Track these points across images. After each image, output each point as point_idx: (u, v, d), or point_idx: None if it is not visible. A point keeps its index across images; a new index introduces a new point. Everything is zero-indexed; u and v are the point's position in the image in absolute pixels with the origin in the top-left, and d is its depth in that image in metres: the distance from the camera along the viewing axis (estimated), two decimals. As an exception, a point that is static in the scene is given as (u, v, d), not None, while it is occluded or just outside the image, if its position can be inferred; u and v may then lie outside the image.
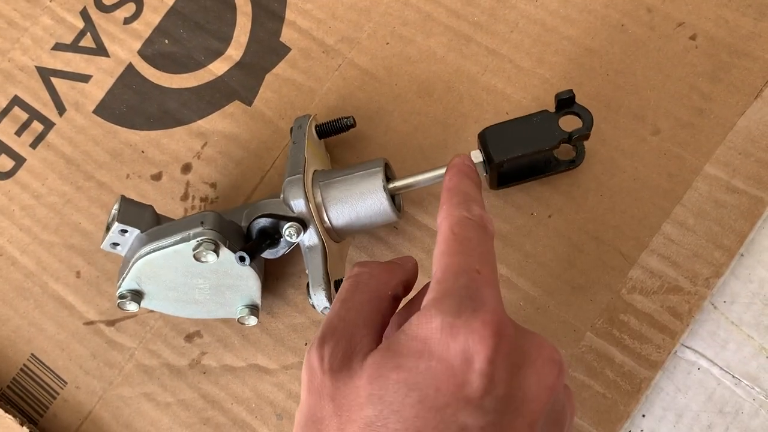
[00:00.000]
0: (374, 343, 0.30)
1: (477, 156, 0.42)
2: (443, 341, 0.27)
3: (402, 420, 0.26)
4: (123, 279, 0.43)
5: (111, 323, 0.50)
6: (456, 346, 0.27)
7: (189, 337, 0.48)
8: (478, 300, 0.28)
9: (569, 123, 0.42)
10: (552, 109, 0.42)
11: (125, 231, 0.42)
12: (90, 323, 0.50)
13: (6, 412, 0.47)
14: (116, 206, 0.43)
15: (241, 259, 0.40)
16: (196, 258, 0.40)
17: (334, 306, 0.32)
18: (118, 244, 0.43)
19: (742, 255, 0.43)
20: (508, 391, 0.27)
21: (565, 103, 0.42)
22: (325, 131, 0.47)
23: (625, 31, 0.48)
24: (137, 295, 0.43)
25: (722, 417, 0.41)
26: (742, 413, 0.41)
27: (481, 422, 0.26)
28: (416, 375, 0.27)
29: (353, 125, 0.47)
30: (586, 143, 0.45)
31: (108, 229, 0.43)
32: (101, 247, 0.43)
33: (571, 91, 0.41)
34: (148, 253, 0.41)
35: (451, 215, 0.33)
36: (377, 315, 0.32)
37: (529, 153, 0.41)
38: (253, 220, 0.42)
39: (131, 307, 0.43)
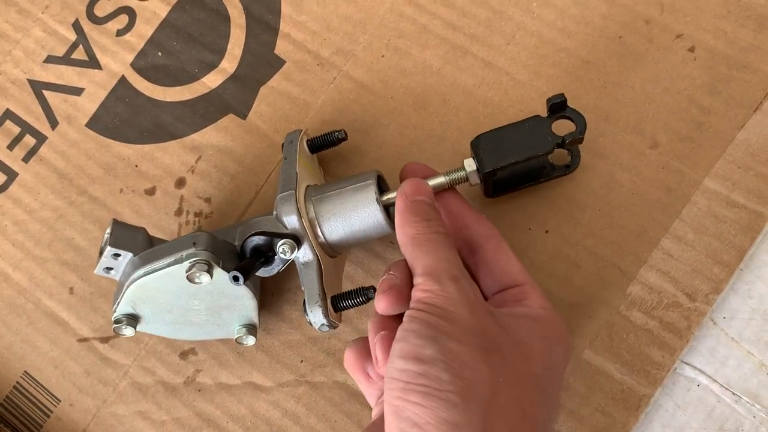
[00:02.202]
0: None
1: (470, 164, 0.41)
2: None
3: None
4: (117, 304, 0.42)
5: (105, 340, 0.49)
6: None
7: (184, 355, 0.48)
8: None
9: (562, 127, 0.41)
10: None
11: (118, 255, 0.42)
12: (84, 340, 0.50)
13: (-1, 431, 0.47)
14: (108, 230, 0.42)
15: (235, 279, 0.39)
16: (190, 279, 0.40)
17: None
18: (111, 269, 0.42)
19: (741, 270, 0.43)
20: None
21: (558, 107, 0.41)
22: (317, 145, 0.46)
23: (623, 43, 0.47)
24: (133, 319, 0.43)
25: (722, 435, 0.41)
26: (743, 430, 0.41)
27: None
28: None
29: (345, 138, 0.46)
30: (583, 155, 0.45)
31: (101, 253, 0.42)
32: (95, 272, 0.42)
33: (562, 95, 0.41)
34: (141, 277, 0.41)
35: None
36: None
37: (523, 160, 0.40)
38: (247, 238, 0.41)
39: (127, 331, 0.42)
